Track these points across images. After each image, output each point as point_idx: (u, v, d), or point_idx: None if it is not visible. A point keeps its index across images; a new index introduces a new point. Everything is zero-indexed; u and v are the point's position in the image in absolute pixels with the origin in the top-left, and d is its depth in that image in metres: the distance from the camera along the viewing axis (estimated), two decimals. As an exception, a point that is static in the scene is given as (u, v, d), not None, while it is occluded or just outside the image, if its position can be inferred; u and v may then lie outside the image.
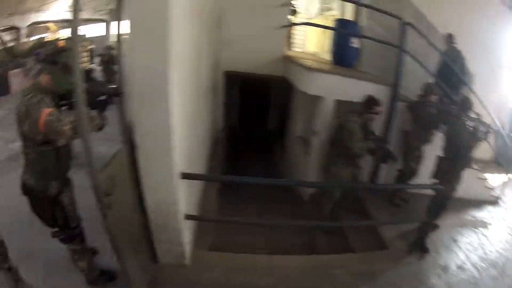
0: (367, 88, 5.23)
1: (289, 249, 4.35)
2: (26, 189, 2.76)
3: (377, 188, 6.02)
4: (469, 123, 4.70)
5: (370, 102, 4.62)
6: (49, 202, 2.80)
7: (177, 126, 2.76)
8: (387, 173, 6.03)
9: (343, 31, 6.30)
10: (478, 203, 7.24)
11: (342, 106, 5.30)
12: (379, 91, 5.36)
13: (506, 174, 8.18)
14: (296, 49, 8.37)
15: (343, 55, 6.24)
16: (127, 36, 2.69)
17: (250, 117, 9.04)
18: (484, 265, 5.26)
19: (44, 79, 2.59)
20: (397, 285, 4.09)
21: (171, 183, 2.94)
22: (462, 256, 5.18)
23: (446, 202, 5.00)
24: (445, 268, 4.74)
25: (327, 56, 7.01)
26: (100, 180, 2.51)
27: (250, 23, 6.12)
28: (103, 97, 2.75)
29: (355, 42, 6.21)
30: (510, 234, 6.63)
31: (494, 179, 8.28)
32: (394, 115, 5.65)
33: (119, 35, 3.30)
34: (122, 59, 3.31)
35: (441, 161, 4.88)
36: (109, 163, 4.01)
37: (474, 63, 7.60)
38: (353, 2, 6.91)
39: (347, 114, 4.65)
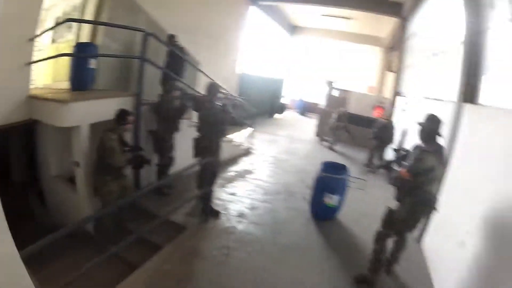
0: (115, 104, 5.64)
1: (110, 281, 4.33)
2: None
3: (150, 191, 5.81)
4: (218, 103, 5.84)
5: (121, 116, 5.17)
6: None
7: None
8: (146, 170, 6.51)
9: (81, 55, 6.22)
10: (234, 160, 9.00)
11: (97, 127, 5.46)
12: (125, 102, 5.95)
13: (246, 128, 10.51)
14: (36, 85, 7.65)
15: (82, 79, 6.29)
16: None
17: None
18: (271, 197, 7.08)
19: None
20: (217, 247, 5.04)
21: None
22: (247, 200, 6.68)
23: (216, 170, 6.16)
24: (242, 215, 6.13)
25: (64, 84, 6.72)
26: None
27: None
28: None
29: (92, 64, 6.30)
30: (274, 168, 8.82)
31: (238, 136, 10.55)
32: (141, 119, 6.26)
33: None
34: None
35: (199, 140, 5.87)
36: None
37: (210, 48, 9.52)
38: (89, 22, 6.93)
39: (104, 132, 5.04)
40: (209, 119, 5.77)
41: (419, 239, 5.81)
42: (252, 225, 5.76)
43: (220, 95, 6.15)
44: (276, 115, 20.44)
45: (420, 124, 4.40)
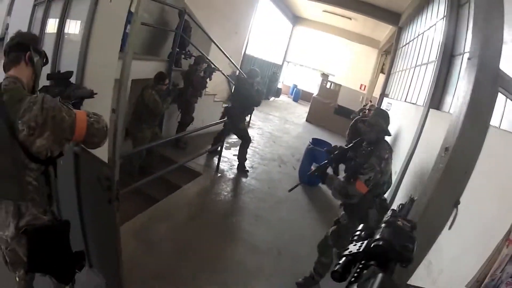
0: (151, 66, 6.90)
1: (136, 210, 5.03)
2: None
3: (170, 142, 7.55)
4: (248, 80, 7.19)
5: (160, 77, 6.33)
6: None
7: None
8: (168, 126, 8.02)
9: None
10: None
11: (136, 84, 6.37)
12: (159, 66, 7.15)
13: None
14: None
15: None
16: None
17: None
18: (267, 162, 8.46)
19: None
20: (226, 190, 6.37)
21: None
22: (248, 161, 7.78)
23: (249, 138, 7.52)
24: (244, 171, 7.39)
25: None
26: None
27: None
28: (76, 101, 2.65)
29: (128, 29, 7.27)
30: (269, 141, 10.06)
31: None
32: (172, 81, 7.33)
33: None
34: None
35: (233, 110, 7.15)
36: None
37: (220, 26, 11.20)
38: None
39: (145, 89, 6.16)
40: (245, 96, 7.05)
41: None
42: (253, 180, 7.12)
43: (258, 79, 7.36)
44: (272, 98, 21.64)
45: (370, 121, 3.87)
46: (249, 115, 7.43)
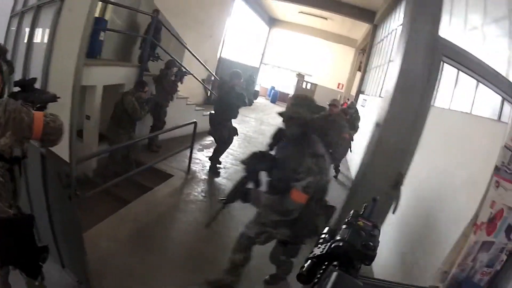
0: (122, 72, 7.23)
1: (111, 210, 5.24)
2: None
3: (143, 146, 8.04)
4: (229, 84, 7.08)
5: (140, 85, 6.67)
6: None
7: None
8: (140, 130, 7.97)
9: (97, 27, 6.98)
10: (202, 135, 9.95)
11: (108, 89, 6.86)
12: (130, 72, 7.46)
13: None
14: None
15: (93, 48, 7.04)
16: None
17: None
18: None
19: None
20: (197, 191, 6.56)
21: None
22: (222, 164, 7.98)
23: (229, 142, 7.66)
24: (216, 172, 7.52)
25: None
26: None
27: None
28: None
29: (102, 36, 7.34)
30: (244, 142, 10.45)
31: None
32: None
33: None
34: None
35: (213, 115, 7.17)
36: None
37: (195, 31, 11.43)
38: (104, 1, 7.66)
39: (125, 95, 6.40)
40: (225, 100, 6.99)
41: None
42: (225, 180, 7.33)
43: (239, 82, 7.24)
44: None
45: (288, 113, 3.19)
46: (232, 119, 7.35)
